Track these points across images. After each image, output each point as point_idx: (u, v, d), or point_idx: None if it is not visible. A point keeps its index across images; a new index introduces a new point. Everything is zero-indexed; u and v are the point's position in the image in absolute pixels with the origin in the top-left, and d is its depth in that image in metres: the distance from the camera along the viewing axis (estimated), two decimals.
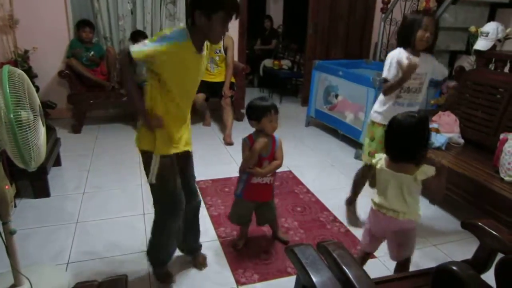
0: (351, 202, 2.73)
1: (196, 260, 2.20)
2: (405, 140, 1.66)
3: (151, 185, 1.83)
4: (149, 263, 2.07)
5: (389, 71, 2.32)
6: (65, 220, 2.58)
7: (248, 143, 2.12)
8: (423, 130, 1.66)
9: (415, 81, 2.32)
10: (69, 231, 2.47)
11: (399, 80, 2.24)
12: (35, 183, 2.81)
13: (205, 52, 1.77)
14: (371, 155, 2.38)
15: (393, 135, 1.70)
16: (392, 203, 1.74)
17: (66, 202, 2.82)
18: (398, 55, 2.28)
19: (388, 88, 2.32)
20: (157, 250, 2.01)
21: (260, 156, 2.11)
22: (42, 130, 1.73)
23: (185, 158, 1.94)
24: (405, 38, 2.30)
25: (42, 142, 1.71)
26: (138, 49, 1.59)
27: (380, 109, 2.42)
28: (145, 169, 1.82)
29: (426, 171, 1.66)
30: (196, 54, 1.67)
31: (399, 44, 2.35)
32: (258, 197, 2.23)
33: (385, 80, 2.35)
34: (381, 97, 2.44)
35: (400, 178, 1.70)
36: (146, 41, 1.63)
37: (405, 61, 2.19)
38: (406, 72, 2.18)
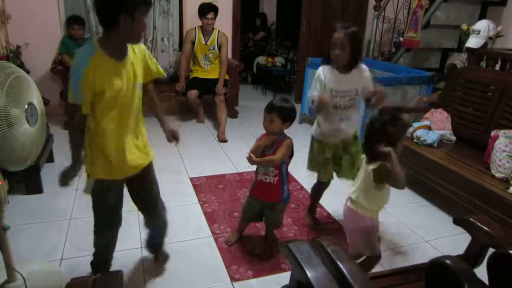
0: None
1: (156, 257, 2.18)
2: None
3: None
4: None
5: (312, 92, 2.24)
6: (58, 217, 2.57)
7: (257, 138, 2.21)
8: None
9: (343, 99, 2.20)
10: (62, 228, 2.46)
11: (316, 110, 2.22)
12: (27, 180, 2.80)
13: (129, 58, 1.64)
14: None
15: None
16: None
17: (59, 199, 2.80)
18: (320, 74, 2.23)
19: (315, 111, 2.30)
20: (95, 254, 1.98)
21: (264, 152, 2.15)
22: (27, 131, 1.70)
23: (138, 178, 1.86)
24: (326, 56, 2.27)
25: (27, 143, 1.68)
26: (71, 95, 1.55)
27: (314, 124, 2.39)
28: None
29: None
30: (115, 62, 1.57)
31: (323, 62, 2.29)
32: (262, 196, 2.25)
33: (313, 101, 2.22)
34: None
35: None
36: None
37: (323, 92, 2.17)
38: (319, 106, 2.14)
